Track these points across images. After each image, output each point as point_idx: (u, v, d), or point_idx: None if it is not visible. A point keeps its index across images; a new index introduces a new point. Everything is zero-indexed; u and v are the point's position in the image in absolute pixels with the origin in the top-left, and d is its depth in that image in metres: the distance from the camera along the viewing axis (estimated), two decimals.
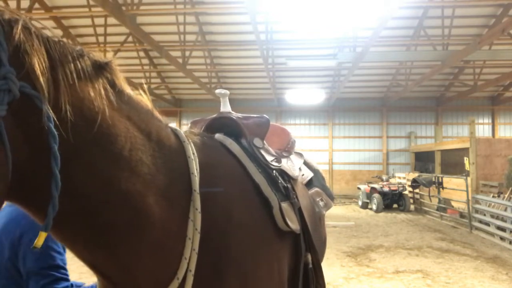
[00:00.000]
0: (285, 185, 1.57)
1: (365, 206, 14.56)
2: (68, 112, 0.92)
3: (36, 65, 0.87)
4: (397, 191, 13.93)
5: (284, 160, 1.70)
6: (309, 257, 1.60)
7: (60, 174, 0.90)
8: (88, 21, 13.36)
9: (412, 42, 13.74)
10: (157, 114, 1.25)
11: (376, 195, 13.80)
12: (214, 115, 1.79)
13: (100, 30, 13.44)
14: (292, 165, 1.78)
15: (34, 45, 0.88)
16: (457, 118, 19.39)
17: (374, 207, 13.76)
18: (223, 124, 1.67)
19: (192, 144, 1.30)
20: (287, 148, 1.93)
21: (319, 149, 19.11)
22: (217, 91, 2.01)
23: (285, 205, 1.46)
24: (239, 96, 19.54)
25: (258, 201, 1.42)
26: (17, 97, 0.82)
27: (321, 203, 1.97)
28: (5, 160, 0.81)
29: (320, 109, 19.49)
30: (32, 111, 0.86)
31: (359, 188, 15.47)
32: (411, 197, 14.42)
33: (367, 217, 12.47)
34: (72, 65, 0.97)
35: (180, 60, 13.76)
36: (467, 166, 11.98)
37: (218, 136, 1.56)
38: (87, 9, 11.84)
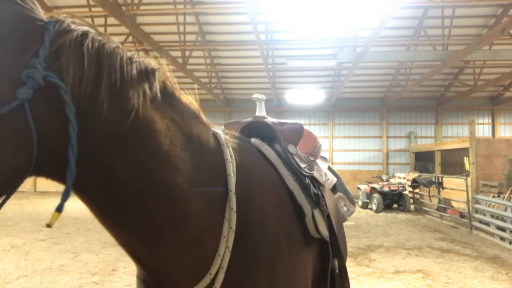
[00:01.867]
0: (316, 192, 1.59)
1: (365, 206, 14.56)
2: (104, 107, 1.03)
3: (67, 62, 1.02)
4: (397, 191, 13.93)
5: (314, 166, 1.71)
6: (336, 262, 1.62)
7: (96, 157, 1.02)
8: (88, 21, 13.33)
9: (412, 42, 13.73)
10: (203, 118, 1.35)
11: (376, 195, 13.80)
12: (250, 119, 1.82)
13: (100, 30, 13.39)
14: (320, 171, 1.79)
15: (71, 45, 1.04)
16: (457, 118, 19.39)
17: (374, 207, 13.76)
18: (258, 129, 1.71)
19: (230, 148, 1.35)
20: (313, 153, 1.93)
21: None
22: (254, 96, 2.04)
23: (316, 213, 1.48)
24: (239, 96, 19.55)
25: (291, 208, 1.45)
26: (41, 84, 0.94)
27: (344, 208, 2.00)
28: (30, 138, 0.91)
29: (320, 109, 19.50)
30: (61, 101, 0.98)
31: (359, 188, 15.46)
32: (411, 197, 14.41)
33: (367, 217, 12.47)
34: (116, 68, 1.10)
35: (180, 60, 13.76)
36: (467, 166, 11.98)
37: (254, 140, 1.60)
38: (87, 9, 11.84)
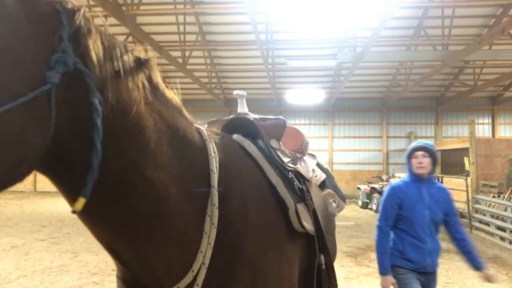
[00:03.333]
0: (301, 186, 1.58)
1: (365, 206, 14.56)
2: (110, 98, 1.00)
3: (91, 46, 1.00)
4: None
5: (298, 162, 1.71)
6: (322, 258, 1.61)
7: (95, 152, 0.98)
8: None
9: (412, 42, 13.73)
10: (185, 112, 1.32)
11: (376, 195, 13.79)
12: (232, 116, 1.80)
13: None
14: (306, 167, 1.80)
15: (91, 30, 1.03)
16: (457, 118, 19.39)
17: (374, 207, 13.76)
18: (241, 125, 1.69)
19: (213, 143, 1.34)
20: (301, 149, 1.93)
21: (319, 149, 19.11)
22: (234, 92, 2.03)
23: (300, 207, 1.48)
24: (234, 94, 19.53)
25: (274, 202, 1.44)
26: (70, 69, 0.93)
27: (333, 205, 1.99)
28: (49, 122, 0.90)
29: (320, 109, 19.49)
30: (80, 86, 0.96)
31: (359, 188, 15.46)
32: None
33: (367, 217, 12.47)
34: (119, 56, 1.07)
35: (180, 60, 13.76)
36: (467, 166, 11.97)
37: (236, 136, 1.59)
38: (87, 9, 11.78)
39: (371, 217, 12.46)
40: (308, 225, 1.49)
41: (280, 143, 1.67)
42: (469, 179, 11.09)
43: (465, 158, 12.17)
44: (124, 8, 9.95)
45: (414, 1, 11.00)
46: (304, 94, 16.61)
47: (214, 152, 1.31)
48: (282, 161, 1.57)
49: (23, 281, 5.58)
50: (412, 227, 2.94)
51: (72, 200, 1.02)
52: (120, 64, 1.06)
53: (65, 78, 0.92)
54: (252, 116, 1.76)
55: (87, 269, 6.15)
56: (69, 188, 1.02)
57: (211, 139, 1.36)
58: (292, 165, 1.60)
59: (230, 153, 1.42)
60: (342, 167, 19.37)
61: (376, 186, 14.29)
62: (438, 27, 13.18)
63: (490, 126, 19.26)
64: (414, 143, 3.14)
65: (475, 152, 11.87)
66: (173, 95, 1.29)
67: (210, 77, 17.02)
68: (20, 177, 0.89)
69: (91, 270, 6.08)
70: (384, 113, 19.60)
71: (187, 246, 1.20)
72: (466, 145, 12.34)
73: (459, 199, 11.10)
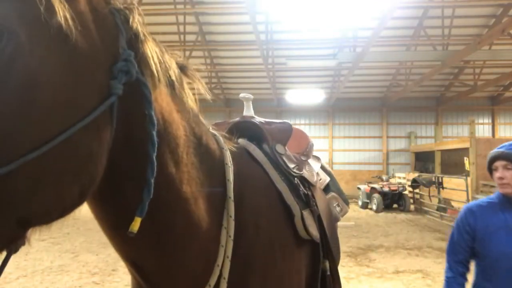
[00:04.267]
0: (306, 192, 1.54)
1: (365, 206, 14.56)
2: (164, 108, 0.97)
3: (149, 54, 0.92)
4: (397, 191, 13.92)
5: (304, 166, 1.67)
6: (327, 264, 1.59)
7: (137, 167, 0.91)
8: None
9: (412, 42, 13.73)
10: (201, 117, 1.25)
11: (376, 195, 13.80)
12: (237, 119, 1.76)
13: None
14: (311, 170, 1.76)
15: (147, 36, 0.94)
16: (457, 118, 19.38)
17: (374, 207, 13.76)
18: (246, 128, 1.65)
19: (229, 151, 1.30)
20: (305, 152, 1.88)
21: (319, 149, 19.09)
22: (241, 95, 1.99)
23: (305, 213, 1.44)
24: (239, 96, 19.51)
25: (281, 209, 1.41)
26: (133, 78, 0.86)
27: (337, 208, 1.94)
28: (111, 139, 0.84)
29: (320, 109, 19.49)
30: (136, 97, 0.89)
31: (359, 188, 15.46)
32: (411, 197, 14.41)
33: (367, 217, 12.47)
34: (171, 65, 1.03)
35: None
36: (467, 166, 11.97)
37: (241, 141, 1.56)
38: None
39: (371, 217, 12.47)
40: (314, 231, 1.45)
41: (286, 147, 1.64)
42: (469, 179, 11.09)
43: (465, 158, 12.16)
44: None
45: (414, 1, 11.00)
46: (304, 94, 16.61)
47: (230, 161, 1.26)
48: (288, 167, 1.53)
49: (23, 281, 5.58)
50: (486, 270, 2.07)
51: (123, 222, 0.93)
52: (173, 74, 1.02)
53: (124, 89, 0.85)
54: (257, 119, 1.72)
55: (87, 269, 6.15)
56: (121, 210, 0.95)
57: (227, 147, 1.31)
58: (297, 171, 1.57)
59: (240, 160, 1.38)
60: (342, 167, 19.36)
61: (376, 186, 14.29)
62: (438, 27, 13.18)
63: (490, 126, 19.26)
64: (494, 150, 2.26)
65: (475, 152, 11.86)
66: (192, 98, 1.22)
67: (210, 77, 17.02)
68: (80, 203, 0.83)
69: (91, 270, 6.08)
70: (384, 113, 19.59)
71: (207, 259, 1.17)
72: (466, 145, 12.34)
73: (459, 199, 11.10)
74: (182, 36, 13.64)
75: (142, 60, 0.91)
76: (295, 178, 1.53)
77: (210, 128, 1.33)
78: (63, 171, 0.74)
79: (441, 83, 18.20)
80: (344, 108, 19.73)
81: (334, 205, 1.93)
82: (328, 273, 1.57)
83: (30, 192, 0.70)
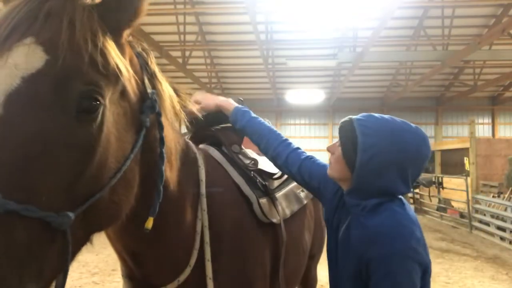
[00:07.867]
0: (264, 183, 1.79)
1: None
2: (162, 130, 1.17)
3: (165, 93, 1.16)
4: None
5: (262, 161, 1.88)
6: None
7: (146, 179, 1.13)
8: None
9: (412, 42, 13.73)
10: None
11: None
12: (194, 130, 2.01)
13: None
14: (271, 164, 1.97)
15: (161, 75, 1.17)
16: (457, 118, 19.38)
17: None
18: (206, 136, 1.90)
19: (200, 156, 1.55)
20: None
21: (319, 149, 19.08)
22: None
23: (263, 201, 1.68)
24: (239, 96, 19.50)
25: (241, 200, 1.65)
26: (155, 112, 1.08)
27: (302, 194, 2.14)
28: (140, 165, 1.06)
29: (320, 109, 19.49)
30: (153, 124, 1.10)
31: None
32: (411, 197, 14.41)
33: None
34: (175, 97, 1.29)
35: (180, 60, 13.76)
36: (467, 166, 11.97)
37: (202, 146, 1.83)
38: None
39: None
40: (273, 216, 1.70)
41: (243, 147, 1.88)
42: (469, 179, 11.09)
43: (465, 158, 12.17)
44: None
45: (414, 1, 11.00)
46: (304, 94, 16.62)
47: (202, 164, 1.52)
48: (243, 163, 1.77)
49: None
50: None
51: (138, 222, 1.15)
52: (176, 103, 1.26)
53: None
54: (214, 127, 1.97)
55: (87, 269, 6.15)
56: (138, 213, 1.13)
57: (199, 152, 1.56)
58: (253, 166, 1.80)
59: (207, 162, 1.62)
60: None
61: None
62: (438, 27, 13.17)
63: (490, 126, 19.26)
64: None
65: (475, 152, 11.87)
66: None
67: (210, 77, 17.02)
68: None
69: (91, 270, 6.08)
70: (384, 113, 19.01)
71: (187, 245, 1.39)
72: (466, 145, 12.34)
73: (459, 199, 11.10)
74: (182, 36, 13.62)
75: (159, 96, 1.13)
76: (251, 172, 1.76)
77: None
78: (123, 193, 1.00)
79: (441, 83, 18.20)
80: (344, 108, 19.72)
81: (298, 191, 2.14)
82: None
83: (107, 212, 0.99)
